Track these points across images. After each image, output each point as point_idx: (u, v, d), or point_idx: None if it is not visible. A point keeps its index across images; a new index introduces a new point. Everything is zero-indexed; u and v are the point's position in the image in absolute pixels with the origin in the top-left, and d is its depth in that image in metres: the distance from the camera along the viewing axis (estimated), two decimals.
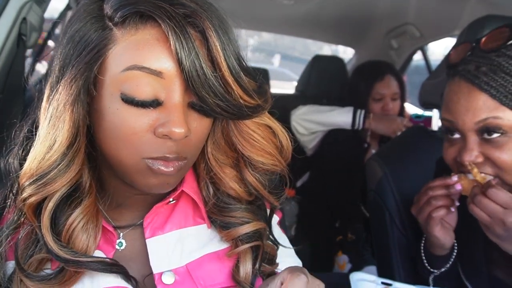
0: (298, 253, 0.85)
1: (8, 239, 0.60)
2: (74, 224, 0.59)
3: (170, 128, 0.56)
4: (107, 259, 0.61)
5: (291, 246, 0.80)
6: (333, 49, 5.44)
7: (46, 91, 0.59)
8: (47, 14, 1.06)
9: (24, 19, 0.93)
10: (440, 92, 0.94)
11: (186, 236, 0.68)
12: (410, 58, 2.55)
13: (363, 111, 1.99)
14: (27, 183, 0.57)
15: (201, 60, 0.55)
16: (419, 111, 2.64)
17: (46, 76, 0.61)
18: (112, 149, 0.58)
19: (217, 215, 0.69)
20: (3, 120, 0.93)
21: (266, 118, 0.67)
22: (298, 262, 0.80)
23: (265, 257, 0.71)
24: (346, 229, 2.05)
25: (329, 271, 2.04)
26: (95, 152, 0.62)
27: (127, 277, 0.62)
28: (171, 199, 0.68)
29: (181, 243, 0.67)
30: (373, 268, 1.78)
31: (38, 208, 0.58)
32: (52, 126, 0.56)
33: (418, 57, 2.61)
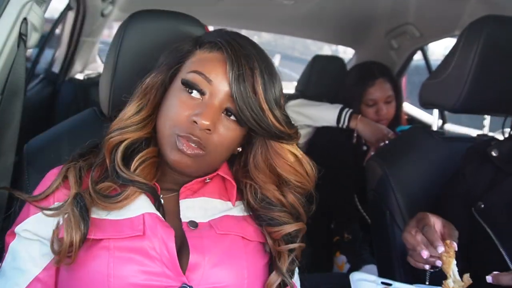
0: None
1: (87, 169, 0.82)
2: (141, 159, 0.81)
3: (200, 118, 0.76)
4: (150, 184, 0.81)
5: None
6: (333, 49, 5.42)
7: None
8: (47, 14, 1.06)
9: (25, 19, 0.93)
10: (441, 91, 0.93)
11: (211, 203, 0.86)
12: (410, 58, 2.55)
13: (350, 110, 1.94)
14: (115, 129, 0.82)
15: (246, 85, 0.77)
16: (419, 111, 2.64)
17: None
18: (161, 123, 0.82)
19: (261, 212, 0.86)
20: (3, 120, 0.93)
21: (294, 149, 0.85)
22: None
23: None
24: (342, 229, 2.04)
25: (329, 271, 2.04)
26: (155, 133, 0.84)
27: (157, 201, 0.81)
28: (207, 179, 0.86)
29: (205, 206, 0.85)
30: (372, 267, 1.78)
31: (115, 147, 0.81)
32: (140, 98, 0.84)
33: (418, 57, 2.60)
